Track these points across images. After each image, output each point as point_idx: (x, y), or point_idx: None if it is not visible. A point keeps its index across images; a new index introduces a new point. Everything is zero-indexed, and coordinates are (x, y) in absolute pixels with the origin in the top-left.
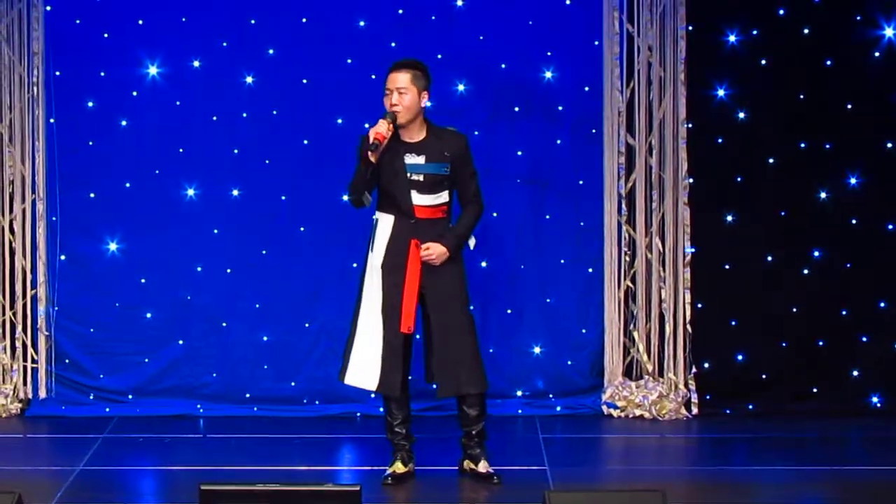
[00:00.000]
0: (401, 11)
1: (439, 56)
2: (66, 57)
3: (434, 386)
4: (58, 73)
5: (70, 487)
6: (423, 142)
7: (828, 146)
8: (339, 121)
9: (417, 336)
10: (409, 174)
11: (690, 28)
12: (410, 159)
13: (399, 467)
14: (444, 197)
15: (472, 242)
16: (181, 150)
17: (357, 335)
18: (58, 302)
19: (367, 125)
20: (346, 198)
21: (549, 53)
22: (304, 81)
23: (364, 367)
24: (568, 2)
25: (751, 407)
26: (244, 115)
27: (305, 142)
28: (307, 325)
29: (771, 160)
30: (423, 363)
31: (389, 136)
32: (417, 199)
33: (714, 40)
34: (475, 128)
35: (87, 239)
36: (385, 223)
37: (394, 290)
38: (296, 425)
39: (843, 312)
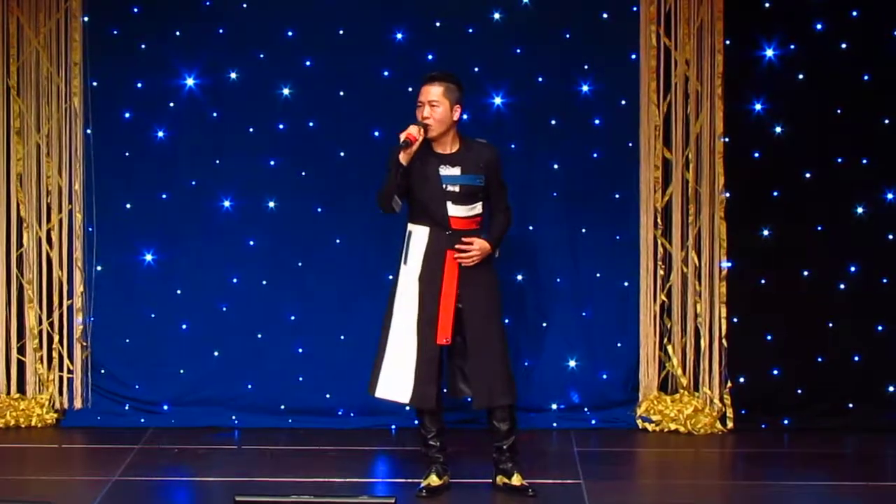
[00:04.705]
0: (438, 24)
1: (476, 69)
2: (103, 68)
3: (468, 399)
4: (95, 84)
5: (105, 498)
6: (457, 153)
7: (865, 161)
8: (376, 133)
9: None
10: (444, 185)
11: (728, 42)
12: (445, 171)
13: (434, 480)
14: (478, 208)
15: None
16: (217, 162)
17: (388, 348)
18: (94, 312)
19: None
20: (377, 203)
21: (585, 67)
22: (341, 94)
23: (397, 380)
24: (605, 15)
25: (786, 422)
26: (280, 126)
27: (342, 154)
28: (342, 337)
29: (808, 175)
30: (447, 374)
31: (421, 141)
32: (453, 210)
33: (751, 54)
34: (511, 141)
35: (124, 250)
36: (420, 235)
37: (430, 302)
38: (330, 437)
39: (880, 328)
